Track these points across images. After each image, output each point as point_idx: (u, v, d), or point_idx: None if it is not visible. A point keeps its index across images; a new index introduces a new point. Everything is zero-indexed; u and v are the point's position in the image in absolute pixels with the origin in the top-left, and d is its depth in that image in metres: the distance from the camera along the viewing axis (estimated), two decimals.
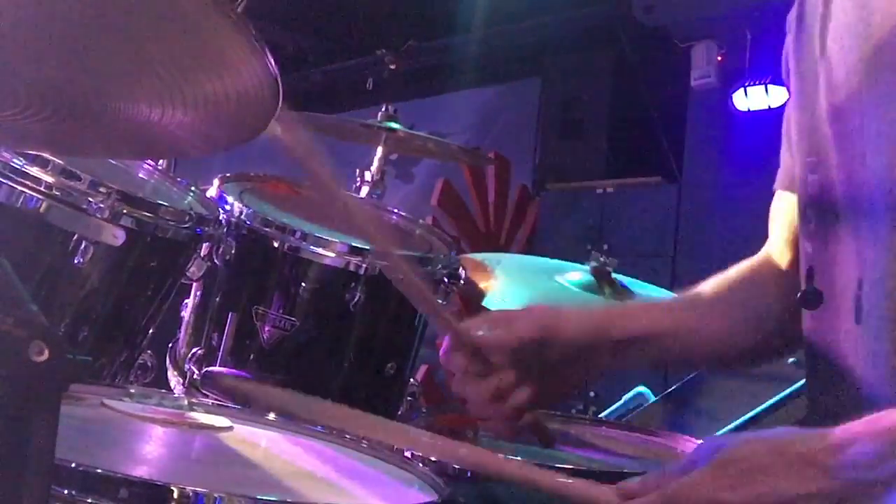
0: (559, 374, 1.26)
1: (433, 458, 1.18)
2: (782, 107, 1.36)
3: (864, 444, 0.88)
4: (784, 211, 1.35)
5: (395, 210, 1.98)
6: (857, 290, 1.10)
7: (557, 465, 1.24)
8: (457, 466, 1.20)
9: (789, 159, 1.32)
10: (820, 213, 1.18)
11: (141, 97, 0.77)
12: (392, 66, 5.99)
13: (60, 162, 1.31)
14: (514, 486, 1.10)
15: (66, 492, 0.79)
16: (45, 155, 1.30)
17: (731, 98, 4.70)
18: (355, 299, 1.60)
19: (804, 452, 0.89)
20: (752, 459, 0.90)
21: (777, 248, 1.36)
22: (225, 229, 1.59)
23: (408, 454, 1.17)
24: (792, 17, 1.29)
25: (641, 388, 3.60)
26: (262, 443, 1.19)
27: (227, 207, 1.64)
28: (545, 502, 1.05)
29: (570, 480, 0.99)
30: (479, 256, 2.11)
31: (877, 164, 1.07)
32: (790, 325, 1.24)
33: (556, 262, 2.21)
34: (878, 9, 1.09)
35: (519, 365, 1.21)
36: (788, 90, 1.30)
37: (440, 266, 1.72)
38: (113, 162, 1.56)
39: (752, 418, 2.89)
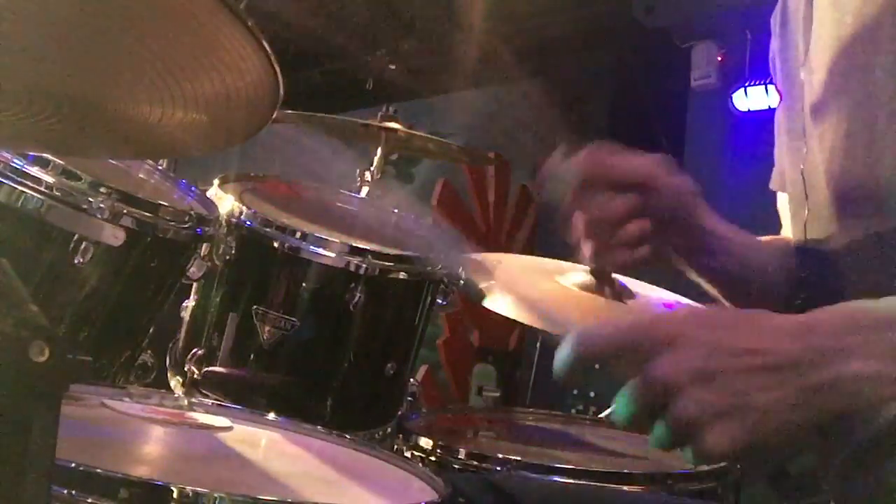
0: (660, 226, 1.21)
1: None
2: None
3: (830, 318, 0.83)
4: (785, 209, 1.35)
5: (395, 210, 1.98)
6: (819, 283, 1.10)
7: (557, 465, 1.24)
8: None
9: (780, 160, 1.33)
10: (802, 210, 1.19)
11: (141, 97, 0.77)
12: (392, 66, 5.99)
13: (60, 162, 1.31)
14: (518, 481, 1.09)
15: (66, 492, 0.79)
16: (45, 155, 1.30)
17: (731, 98, 4.70)
18: (355, 299, 1.60)
19: (773, 317, 0.83)
20: (743, 316, 0.86)
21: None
22: (225, 229, 1.59)
23: (408, 454, 1.17)
24: (775, 19, 1.30)
25: None
26: (262, 443, 1.19)
27: (227, 207, 1.64)
28: (550, 499, 1.05)
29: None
30: (479, 256, 2.10)
31: (850, 163, 1.08)
32: None
33: (556, 262, 2.20)
34: (850, 10, 1.10)
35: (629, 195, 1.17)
36: (778, 91, 1.31)
37: (440, 266, 1.72)
38: (113, 162, 1.56)
39: None
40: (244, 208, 1.64)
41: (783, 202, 1.36)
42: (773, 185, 1.38)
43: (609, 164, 1.16)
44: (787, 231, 1.37)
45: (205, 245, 1.54)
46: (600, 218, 1.17)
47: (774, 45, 1.30)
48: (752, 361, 0.78)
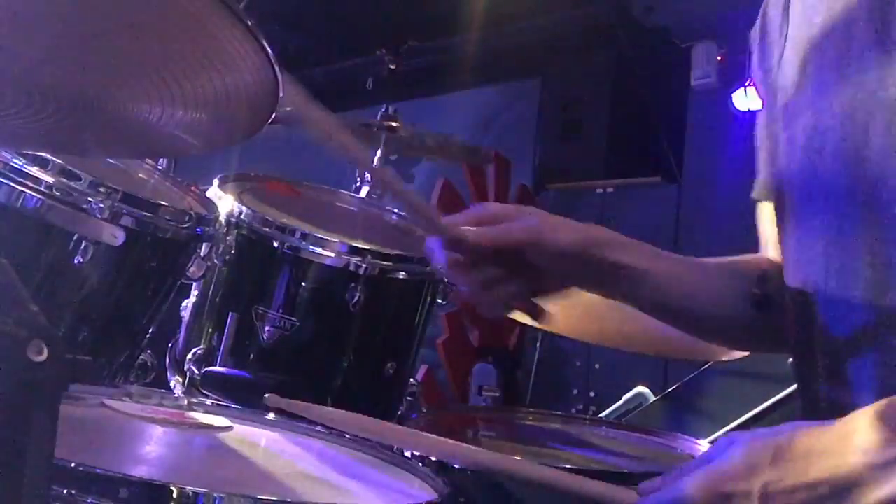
0: (545, 276, 1.27)
1: (438, 459, 1.17)
2: None
3: (873, 429, 0.86)
4: (764, 221, 1.37)
5: (395, 210, 1.98)
6: (798, 290, 1.10)
7: (557, 466, 1.24)
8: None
9: (763, 169, 1.34)
10: (780, 216, 1.19)
11: (141, 97, 0.77)
12: (392, 66, 5.99)
13: (60, 162, 1.31)
14: (522, 484, 1.09)
15: (66, 492, 0.79)
16: (45, 155, 1.30)
17: (731, 98, 4.70)
18: (355, 299, 1.60)
19: (827, 439, 0.87)
20: (784, 446, 0.88)
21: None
22: (225, 229, 1.59)
23: (408, 454, 1.17)
24: (755, 33, 1.31)
25: (641, 388, 3.61)
26: (262, 443, 1.19)
27: (227, 207, 1.64)
28: (549, 498, 1.05)
29: (588, 480, 0.98)
30: None
31: (816, 160, 1.08)
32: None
33: None
34: (822, 8, 1.10)
35: (505, 263, 1.23)
36: (761, 100, 1.32)
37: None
38: (113, 162, 1.56)
39: (751, 418, 2.89)
40: (244, 208, 1.64)
41: (764, 213, 1.37)
42: (755, 195, 1.38)
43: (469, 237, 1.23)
44: (768, 243, 1.37)
45: (205, 245, 1.54)
46: (467, 289, 1.25)
47: (755, 58, 1.31)
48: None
